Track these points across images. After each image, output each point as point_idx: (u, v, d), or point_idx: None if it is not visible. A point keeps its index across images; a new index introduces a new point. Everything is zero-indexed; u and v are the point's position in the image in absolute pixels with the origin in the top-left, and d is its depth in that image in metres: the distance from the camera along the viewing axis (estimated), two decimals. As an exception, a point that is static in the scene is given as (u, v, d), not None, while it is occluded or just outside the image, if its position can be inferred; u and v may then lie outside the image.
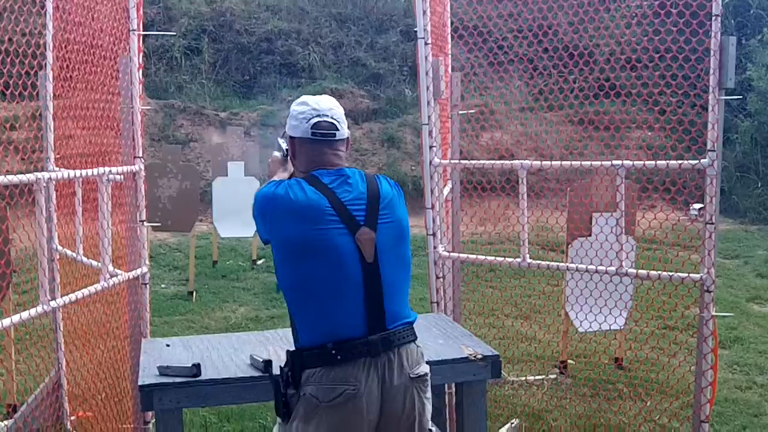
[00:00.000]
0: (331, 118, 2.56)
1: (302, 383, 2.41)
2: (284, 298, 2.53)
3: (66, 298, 3.21)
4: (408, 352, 2.48)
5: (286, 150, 2.78)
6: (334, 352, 2.38)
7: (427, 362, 2.89)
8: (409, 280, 2.61)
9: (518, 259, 3.78)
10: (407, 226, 2.61)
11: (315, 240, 2.40)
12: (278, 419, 2.53)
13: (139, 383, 2.75)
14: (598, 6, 4.14)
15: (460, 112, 4.82)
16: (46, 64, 3.95)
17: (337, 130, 2.57)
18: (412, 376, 2.47)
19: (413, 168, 12.22)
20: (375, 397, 2.40)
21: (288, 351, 2.50)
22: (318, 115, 2.55)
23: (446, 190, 4.52)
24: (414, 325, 2.56)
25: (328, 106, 2.58)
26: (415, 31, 3.99)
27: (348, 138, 2.66)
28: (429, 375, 2.55)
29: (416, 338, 2.54)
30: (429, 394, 2.55)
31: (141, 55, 3.79)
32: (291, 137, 2.60)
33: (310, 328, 2.45)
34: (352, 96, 13.62)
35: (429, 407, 2.55)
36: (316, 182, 2.49)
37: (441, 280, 3.96)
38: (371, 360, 2.40)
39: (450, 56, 4.77)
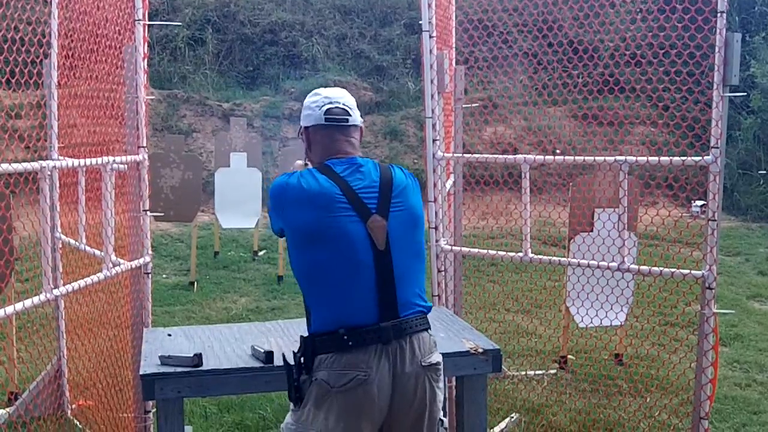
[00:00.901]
0: (343, 105, 2.63)
1: (314, 368, 2.44)
2: (298, 286, 2.56)
3: (69, 287, 3.22)
4: (420, 340, 2.50)
5: None
6: (345, 337, 2.40)
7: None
8: (423, 269, 2.62)
9: (520, 254, 3.78)
10: (421, 215, 2.63)
11: (327, 227, 2.44)
12: (291, 405, 2.54)
13: (141, 372, 2.75)
14: (603, 1, 4.13)
15: (464, 105, 4.82)
16: (51, 52, 3.96)
17: (350, 116, 2.63)
18: (423, 364, 2.49)
19: (415, 161, 12.21)
20: (386, 384, 2.42)
21: (301, 336, 2.53)
22: (330, 102, 2.61)
23: (449, 184, 4.52)
24: (428, 315, 2.59)
25: (339, 94, 2.65)
26: (420, 24, 3.99)
27: (361, 127, 2.71)
28: (441, 364, 2.57)
29: (429, 327, 2.57)
30: (441, 384, 2.57)
31: (146, 44, 3.79)
32: (305, 128, 2.66)
33: (322, 313, 2.47)
34: (355, 88, 13.59)
35: (441, 397, 2.57)
36: (328, 171, 2.53)
37: (443, 273, 3.96)
38: (382, 347, 2.42)
39: (454, 49, 4.76)
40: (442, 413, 2.61)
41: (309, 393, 2.46)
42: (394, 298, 2.47)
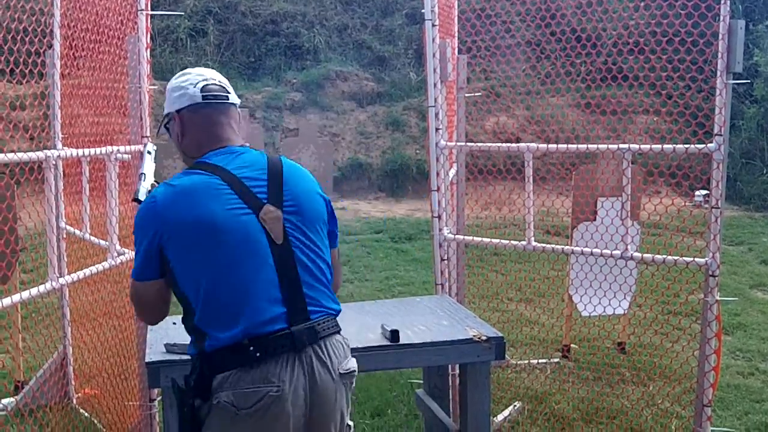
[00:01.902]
0: (219, 82, 2.29)
1: (214, 390, 2.05)
2: (184, 308, 2.19)
3: (74, 275, 3.24)
4: (335, 345, 2.17)
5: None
6: (252, 348, 2.03)
7: (432, 343, 2.93)
8: (330, 266, 2.27)
9: (523, 242, 3.79)
10: (322, 205, 2.29)
11: (213, 221, 2.07)
12: None
13: (146, 360, 2.77)
14: (605, -11, 4.13)
15: (466, 95, 4.82)
16: (54, 43, 3.96)
17: (229, 93, 2.29)
18: (341, 372, 2.16)
19: (417, 151, 12.21)
20: (301, 399, 2.07)
21: (192, 355, 2.17)
22: (205, 80, 2.26)
23: (451, 173, 4.52)
24: (337, 318, 2.24)
25: (212, 73, 2.32)
26: (422, 14, 3.98)
27: (239, 111, 2.36)
28: (357, 371, 2.26)
29: (341, 330, 2.23)
30: (353, 391, 2.29)
31: (148, 35, 3.79)
32: (177, 112, 2.26)
33: (219, 324, 2.07)
34: (356, 79, 13.59)
35: (350, 406, 2.27)
36: (201, 165, 2.19)
37: (446, 262, 3.97)
38: (295, 356, 2.07)
39: (457, 38, 4.75)
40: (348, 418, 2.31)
41: (209, 421, 2.08)
42: (301, 299, 2.12)
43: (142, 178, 2.40)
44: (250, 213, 2.11)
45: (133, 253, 3.61)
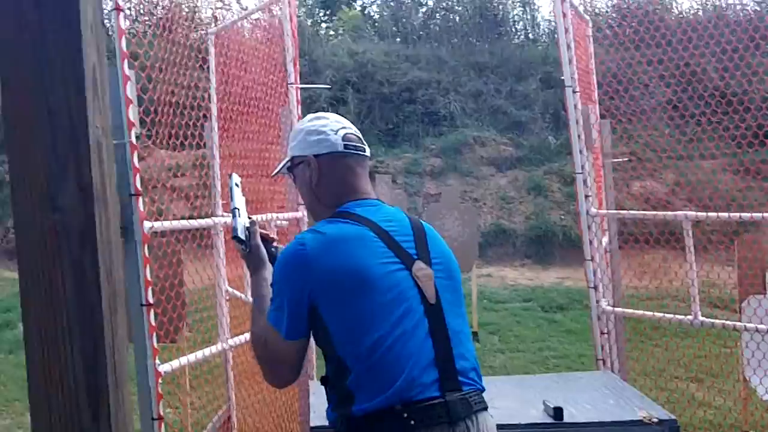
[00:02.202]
0: (356, 132, 2.17)
1: None
2: (333, 367, 1.97)
3: (241, 337, 3.33)
4: (486, 421, 1.96)
5: (247, 238, 2.19)
6: (405, 416, 1.84)
7: (599, 423, 2.76)
8: (470, 335, 2.09)
9: (689, 317, 3.56)
10: (459, 270, 2.15)
11: (370, 276, 1.91)
12: None
13: (311, 425, 2.77)
14: (748, 44, 3.94)
15: (613, 160, 4.67)
16: (211, 115, 4.17)
17: (365, 145, 2.17)
18: None
19: (563, 217, 11.96)
20: None
21: (336, 418, 1.98)
22: (344, 128, 2.13)
23: (604, 241, 4.35)
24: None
25: (346, 121, 2.19)
26: (556, 78, 3.93)
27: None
28: None
29: (487, 407, 2.01)
30: None
31: (299, 106, 3.95)
32: (315, 156, 2.10)
33: (373, 387, 1.88)
34: (494, 144, 13.58)
35: None
36: (345, 215, 2.02)
37: (606, 336, 3.78)
38: (449, 428, 1.86)
39: (598, 104, 4.66)
40: None
41: None
42: (453, 366, 1.92)
43: (237, 214, 2.19)
44: (404, 269, 1.95)
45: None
